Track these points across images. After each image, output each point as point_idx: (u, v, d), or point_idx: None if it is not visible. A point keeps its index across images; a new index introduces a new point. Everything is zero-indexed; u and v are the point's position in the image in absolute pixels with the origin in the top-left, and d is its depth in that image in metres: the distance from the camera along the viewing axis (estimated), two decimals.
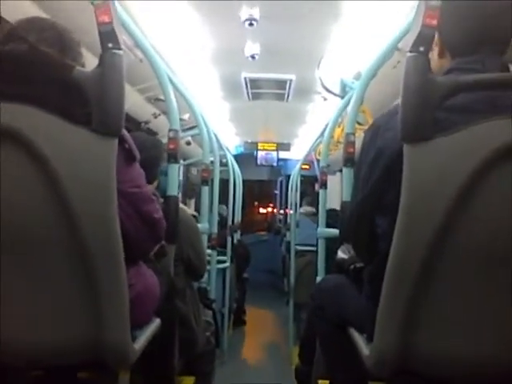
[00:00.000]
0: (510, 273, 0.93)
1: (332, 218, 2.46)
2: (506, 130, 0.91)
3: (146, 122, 4.02)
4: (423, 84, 0.93)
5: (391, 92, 2.96)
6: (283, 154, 7.50)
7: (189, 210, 2.82)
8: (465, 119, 0.93)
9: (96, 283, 0.98)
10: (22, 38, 1.09)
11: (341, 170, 5.56)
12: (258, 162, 7.44)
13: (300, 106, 5.04)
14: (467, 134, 0.93)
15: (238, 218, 4.85)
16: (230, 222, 4.22)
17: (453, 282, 0.96)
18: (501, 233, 0.92)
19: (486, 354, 0.96)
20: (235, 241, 4.59)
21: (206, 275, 2.50)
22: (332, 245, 2.24)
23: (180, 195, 3.12)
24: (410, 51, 0.94)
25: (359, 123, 2.68)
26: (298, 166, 4.66)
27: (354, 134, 1.79)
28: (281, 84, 4.25)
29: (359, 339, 1.18)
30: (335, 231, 2.19)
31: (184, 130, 3.58)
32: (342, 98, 2.67)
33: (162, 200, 1.73)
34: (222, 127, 5.67)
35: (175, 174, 1.75)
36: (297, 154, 6.87)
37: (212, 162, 2.95)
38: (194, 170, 5.86)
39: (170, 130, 1.75)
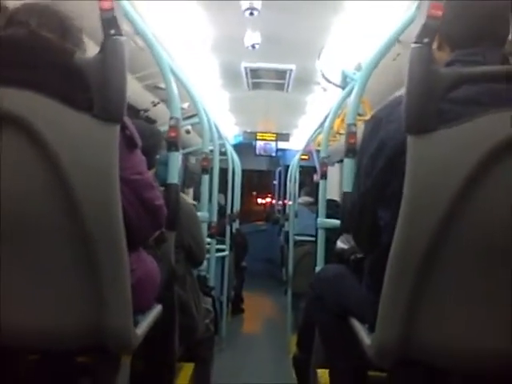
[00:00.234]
0: None
1: (331, 208, 2.46)
2: (510, 122, 0.90)
3: (145, 110, 4.01)
4: (427, 75, 0.93)
5: (391, 83, 2.96)
6: (282, 145, 7.49)
7: (188, 198, 2.82)
8: (469, 111, 0.93)
9: (98, 269, 0.98)
10: (22, 22, 1.08)
11: (339, 161, 5.60)
12: (257, 152, 7.44)
13: (300, 96, 5.03)
14: (471, 126, 0.93)
15: (237, 207, 4.86)
16: (228, 211, 4.23)
17: (455, 273, 0.96)
18: (503, 225, 0.92)
19: (487, 344, 0.96)
20: (234, 230, 4.60)
21: (205, 263, 2.51)
22: (331, 235, 2.25)
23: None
24: (415, 42, 0.94)
25: (359, 114, 2.67)
26: (297, 157, 4.65)
27: (355, 125, 1.79)
28: (281, 74, 4.23)
29: (360, 329, 1.18)
30: (335, 221, 2.19)
31: (184, 119, 3.57)
32: (343, 88, 2.66)
33: (161, 189, 1.73)
34: (221, 116, 5.65)
35: (176, 162, 1.74)
36: (296, 144, 6.86)
37: (211, 151, 2.94)
38: (192, 159, 5.85)
39: (171, 118, 1.74)
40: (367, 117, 2.64)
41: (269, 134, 7.35)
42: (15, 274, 0.98)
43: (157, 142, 1.89)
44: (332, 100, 3.45)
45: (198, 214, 2.29)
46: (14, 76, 0.97)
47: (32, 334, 1.01)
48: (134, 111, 3.89)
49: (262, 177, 9.38)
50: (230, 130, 6.81)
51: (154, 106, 4.02)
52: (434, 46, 1.10)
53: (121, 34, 0.97)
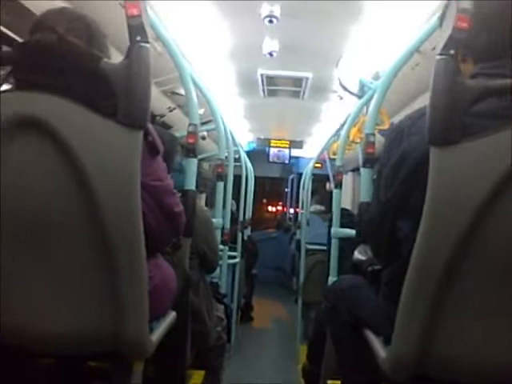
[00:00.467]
0: None
1: (344, 217, 2.45)
2: None
3: (161, 116, 4.03)
4: (453, 87, 0.92)
5: (409, 93, 2.95)
6: (295, 152, 7.47)
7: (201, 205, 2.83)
8: (492, 125, 0.93)
9: (117, 275, 0.98)
10: (50, 27, 1.09)
11: (353, 170, 5.58)
12: (270, 159, 7.42)
13: (315, 104, 5.01)
14: (495, 140, 0.92)
15: (249, 214, 4.85)
16: (241, 218, 4.23)
17: (475, 287, 0.95)
18: None
19: (508, 360, 0.95)
20: (245, 237, 4.59)
21: (217, 270, 2.51)
22: (343, 244, 2.23)
23: None
24: (440, 54, 0.93)
25: (376, 123, 2.66)
26: (310, 165, 4.64)
27: (373, 135, 1.78)
28: (297, 82, 4.22)
29: (375, 341, 1.17)
30: (349, 231, 2.19)
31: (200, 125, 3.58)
32: (360, 97, 2.66)
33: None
34: (235, 123, 5.67)
35: (193, 168, 1.75)
36: (309, 152, 6.85)
37: (226, 158, 2.94)
38: (205, 165, 5.87)
39: (189, 125, 1.75)
40: (385, 126, 2.63)
41: (282, 141, 7.34)
42: (37, 279, 0.99)
43: (174, 147, 1.90)
44: (347, 108, 3.44)
45: (213, 220, 2.29)
46: (41, 81, 0.98)
47: (50, 338, 1.02)
48: (151, 116, 3.90)
49: (273, 184, 9.38)
50: (244, 137, 6.82)
51: (171, 111, 4.04)
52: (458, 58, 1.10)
53: (147, 41, 0.98)
